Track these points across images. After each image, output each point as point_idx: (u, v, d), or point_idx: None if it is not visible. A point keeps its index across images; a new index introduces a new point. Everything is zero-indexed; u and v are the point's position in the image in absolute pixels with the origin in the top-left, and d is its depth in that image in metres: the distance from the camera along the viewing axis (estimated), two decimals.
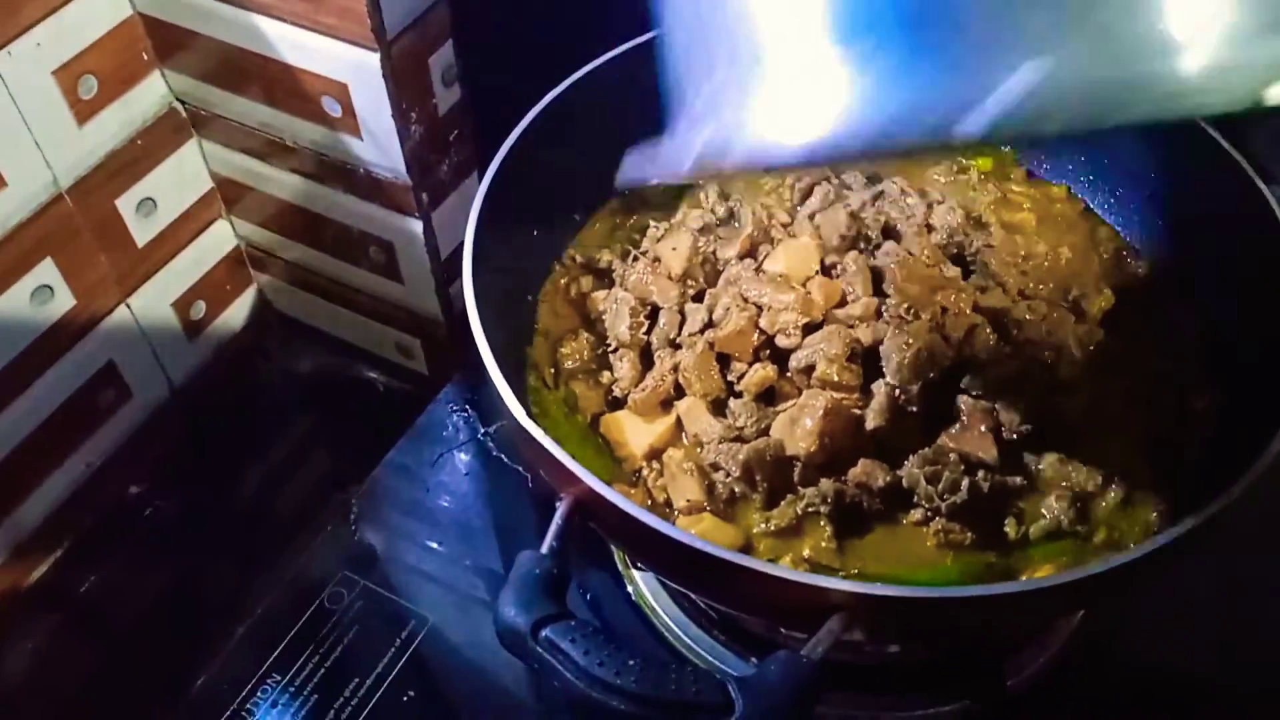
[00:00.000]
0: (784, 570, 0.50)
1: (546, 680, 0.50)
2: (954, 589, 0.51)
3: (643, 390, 0.65)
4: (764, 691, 0.47)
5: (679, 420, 0.65)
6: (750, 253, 0.71)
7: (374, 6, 0.70)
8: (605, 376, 0.69)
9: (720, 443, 0.62)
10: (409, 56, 0.75)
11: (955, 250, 0.71)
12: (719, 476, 0.62)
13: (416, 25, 0.75)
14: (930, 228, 0.71)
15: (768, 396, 0.64)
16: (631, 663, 0.48)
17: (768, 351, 0.65)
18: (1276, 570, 0.72)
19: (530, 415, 0.58)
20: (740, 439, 0.62)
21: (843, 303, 0.66)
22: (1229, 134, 0.69)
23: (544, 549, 0.54)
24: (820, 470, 0.60)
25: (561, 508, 0.56)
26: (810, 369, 0.62)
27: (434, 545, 0.77)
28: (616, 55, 0.75)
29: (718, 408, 0.65)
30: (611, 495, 0.53)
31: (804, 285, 0.66)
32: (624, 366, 0.67)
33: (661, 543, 0.52)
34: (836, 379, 0.61)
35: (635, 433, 0.65)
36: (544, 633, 0.49)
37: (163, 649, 0.85)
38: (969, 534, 0.58)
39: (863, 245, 0.70)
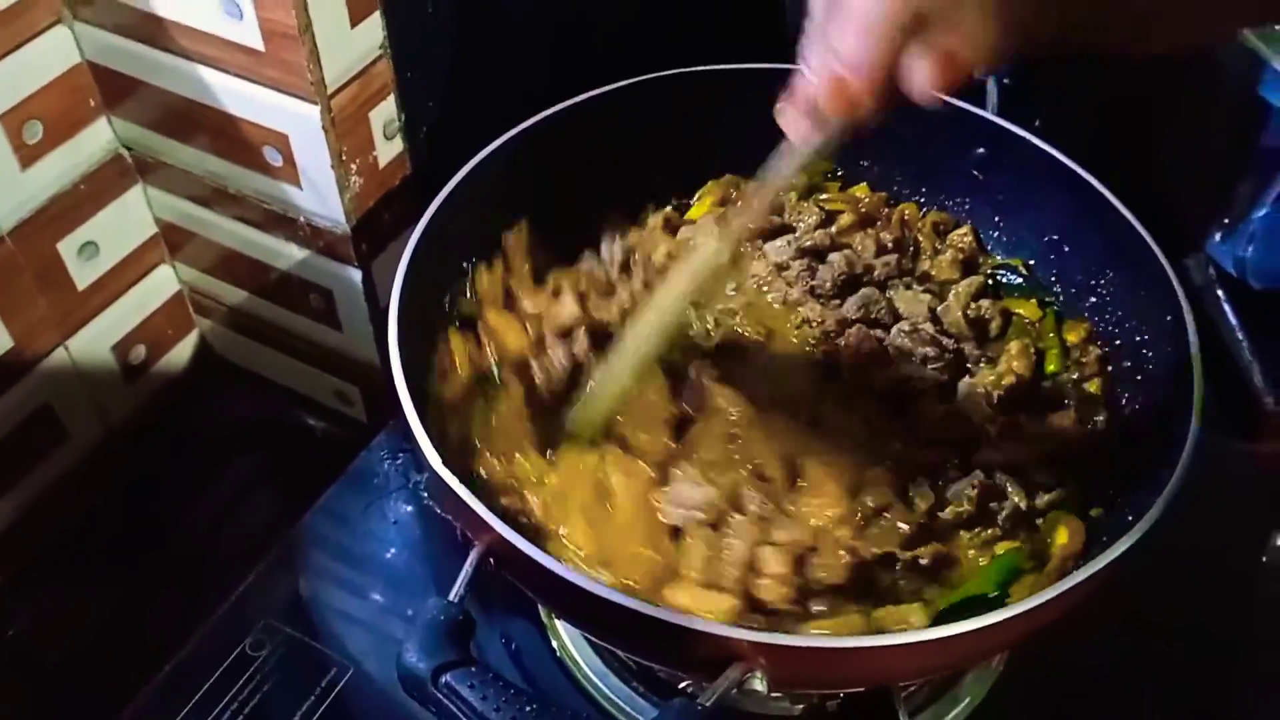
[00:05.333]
0: (682, 618, 0.51)
1: None
2: (850, 639, 0.53)
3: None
4: None
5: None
6: None
7: (314, 60, 0.72)
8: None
9: None
10: (350, 109, 0.77)
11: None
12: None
13: (358, 79, 0.77)
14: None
15: None
16: (529, 709, 0.48)
17: None
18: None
19: (449, 463, 0.59)
20: None
21: None
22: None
23: (452, 596, 0.55)
24: None
25: (472, 555, 0.57)
26: None
27: (361, 592, 0.77)
28: (558, 110, 0.78)
29: None
30: (519, 542, 0.54)
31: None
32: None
33: (567, 589, 0.53)
34: None
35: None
36: (444, 678, 0.50)
37: (91, 692, 0.84)
38: None
39: None
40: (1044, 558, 0.64)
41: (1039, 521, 0.66)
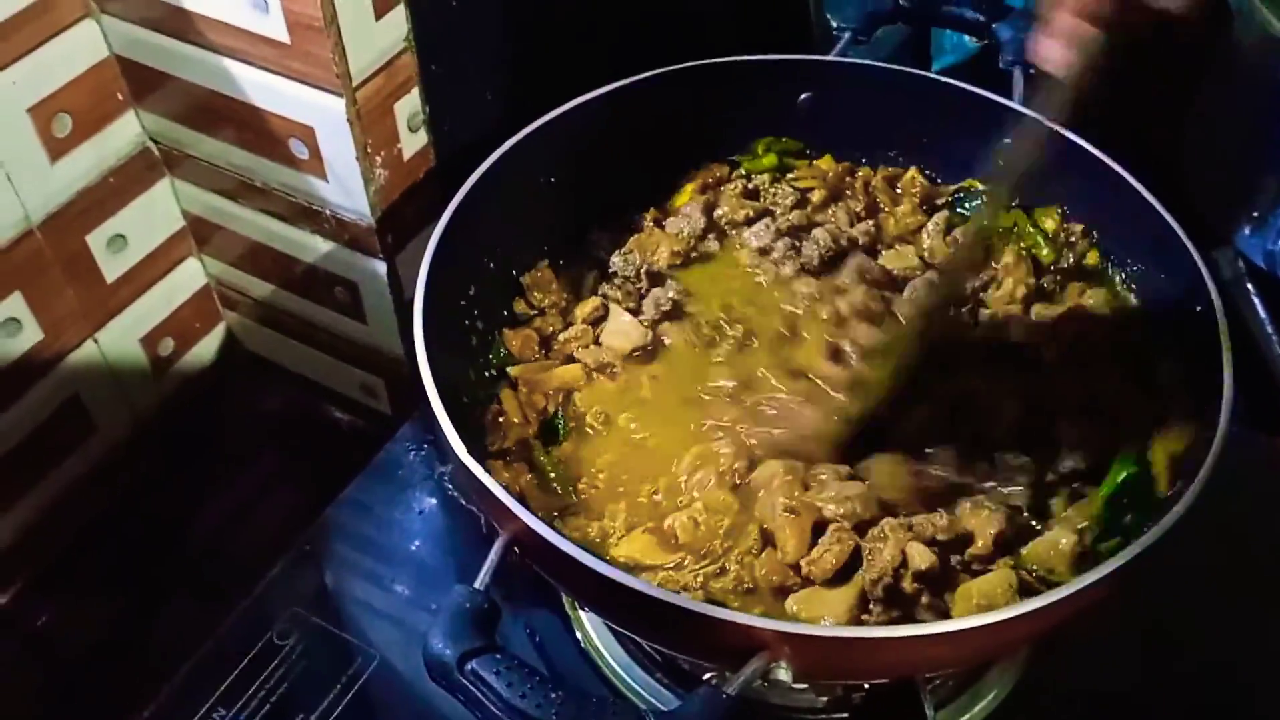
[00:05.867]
0: (707, 608, 0.51)
1: (472, 712, 0.51)
2: (883, 629, 0.52)
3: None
4: None
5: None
6: None
7: (339, 53, 0.72)
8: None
9: None
10: (374, 101, 0.77)
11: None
12: None
13: (383, 71, 0.77)
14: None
15: None
16: (554, 695, 0.49)
17: None
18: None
19: (477, 453, 0.59)
20: None
21: None
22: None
23: (477, 583, 0.55)
24: None
25: (498, 544, 0.57)
26: None
27: (386, 582, 0.78)
28: (579, 104, 0.78)
29: None
30: (544, 531, 0.54)
31: None
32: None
33: (590, 577, 0.53)
34: None
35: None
36: (470, 665, 0.50)
37: (117, 682, 0.85)
38: None
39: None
40: None
41: None
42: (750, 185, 0.85)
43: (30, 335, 0.84)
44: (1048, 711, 0.70)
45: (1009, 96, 0.81)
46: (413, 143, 0.82)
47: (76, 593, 0.92)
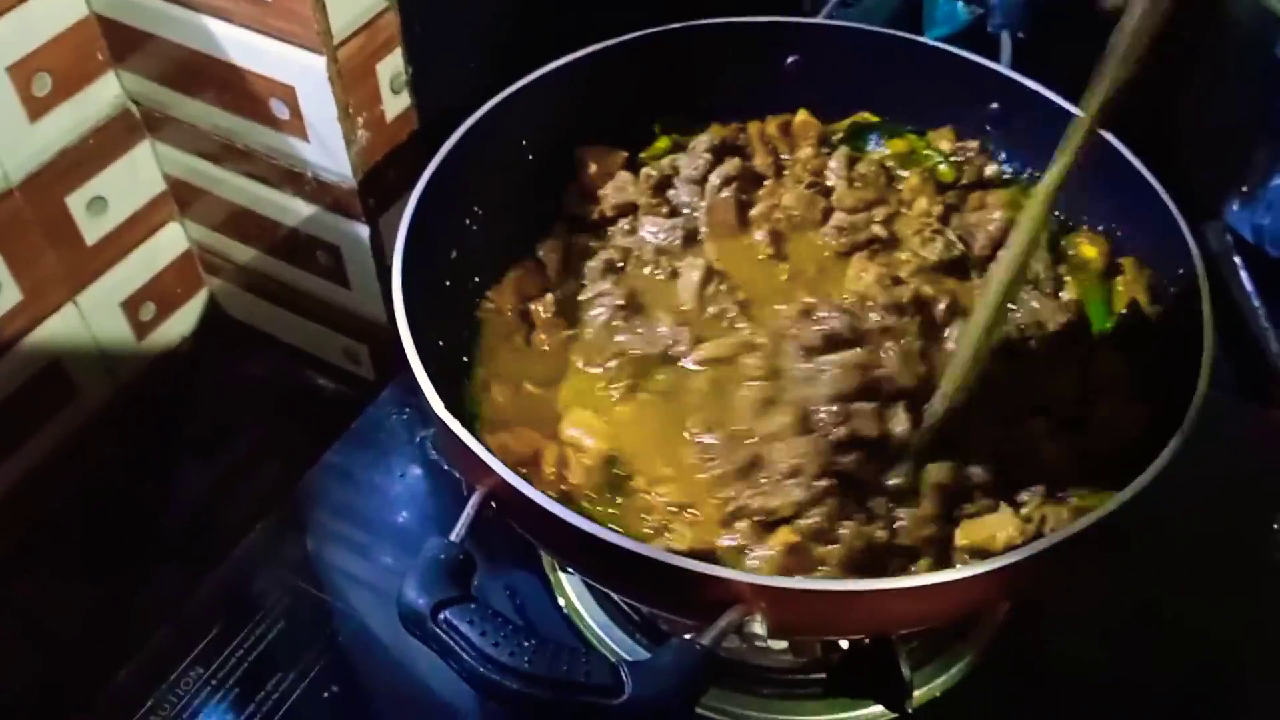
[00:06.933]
0: (682, 560, 0.51)
1: (447, 662, 0.50)
2: (856, 582, 0.52)
3: None
4: (654, 675, 0.47)
5: None
6: None
7: (320, 10, 0.72)
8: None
9: None
10: (356, 61, 0.76)
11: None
12: None
13: (364, 30, 0.76)
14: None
15: None
16: (527, 644, 0.48)
17: None
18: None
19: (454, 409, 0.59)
20: None
21: None
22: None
23: (453, 536, 0.55)
24: None
25: (474, 497, 0.57)
26: None
27: (366, 546, 0.78)
28: (563, 64, 0.78)
29: None
30: (519, 484, 0.54)
31: None
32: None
33: (565, 531, 0.52)
34: None
35: None
36: (443, 615, 0.50)
37: (99, 650, 0.85)
38: None
39: None
40: None
41: None
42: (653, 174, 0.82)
43: (10, 296, 0.83)
44: (1025, 675, 0.70)
45: (997, 61, 0.80)
46: (395, 104, 0.82)
47: (58, 561, 0.92)
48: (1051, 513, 0.61)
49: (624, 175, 0.81)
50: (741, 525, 0.60)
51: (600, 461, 0.65)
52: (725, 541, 0.60)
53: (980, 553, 0.59)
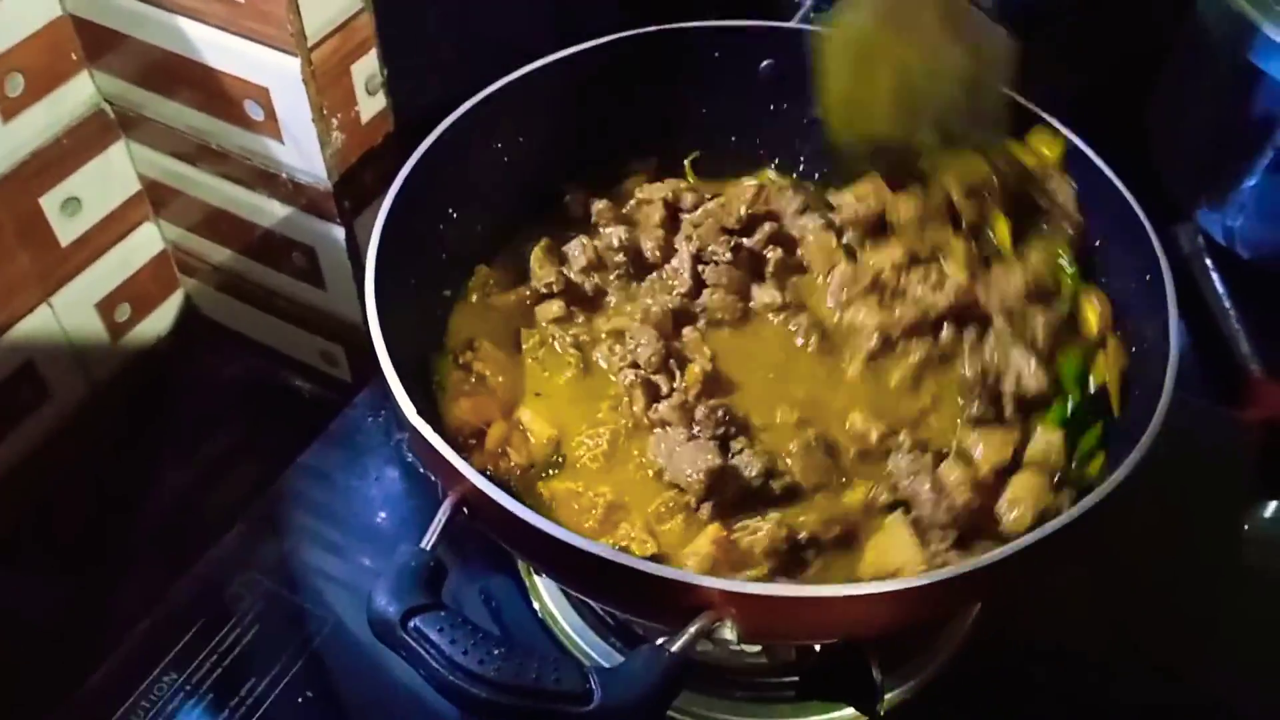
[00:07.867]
0: (651, 566, 0.51)
1: (416, 669, 0.50)
2: (827, 587, 0.52)
3: None
4: (623, 681, 0.48)
5: None
6: None
7: (294, 11, 0.72)
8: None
9: None
10: (331, 62, 0.76)
11: None
12: None
13: (339, 32, 0.76)
14: None
15: None
16: (496, 652, 0.48)
17: None
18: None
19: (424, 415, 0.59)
20: None
21: None
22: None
23: (424, 543, 0.55)
24: None
25: (446, 504, 0.57)
26: None
27: (341, 547, 0.77)
28: (538, 67, 0.77)
29: None
30: (491, 490, 0.54)
31: None
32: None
33: (537, 537, 0.52)
34: None
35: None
36: (413, 622, 0.50)
37: (74, 651, 0.84)
38: None
39: None
40: None
41: None
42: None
43: None
44: (995, 677, 0.71)
45: None
46: (371, 106, 0.82)
47: (33, 562, 0.91)
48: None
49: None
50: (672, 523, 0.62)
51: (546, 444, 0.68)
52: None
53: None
